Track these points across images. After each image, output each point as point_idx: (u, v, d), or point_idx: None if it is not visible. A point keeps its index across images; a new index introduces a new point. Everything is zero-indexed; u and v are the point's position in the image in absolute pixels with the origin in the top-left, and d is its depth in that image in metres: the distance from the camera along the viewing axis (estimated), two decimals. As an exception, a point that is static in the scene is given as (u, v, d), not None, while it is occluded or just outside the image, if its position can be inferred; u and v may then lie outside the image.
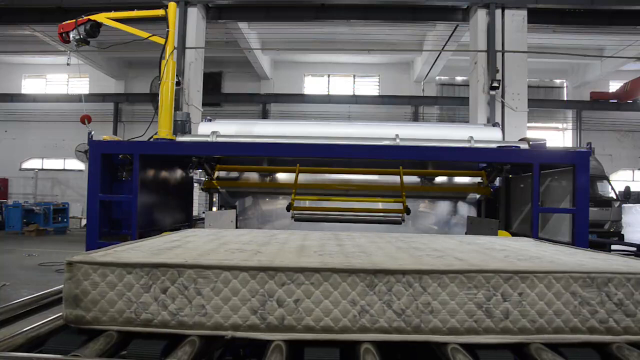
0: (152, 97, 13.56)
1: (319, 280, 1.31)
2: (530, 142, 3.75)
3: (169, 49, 4.34)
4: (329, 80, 20.11)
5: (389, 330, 1.30)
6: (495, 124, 4.62)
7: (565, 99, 19.44)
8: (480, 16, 10.72)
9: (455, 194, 4.13)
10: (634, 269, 1.37)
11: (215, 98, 18.27)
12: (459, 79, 19.10)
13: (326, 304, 1.30)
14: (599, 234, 11.80)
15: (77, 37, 4.54)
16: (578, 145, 16.15)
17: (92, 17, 4.50)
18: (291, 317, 1.29)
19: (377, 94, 19.58)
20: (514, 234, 3.24)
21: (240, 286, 1.30)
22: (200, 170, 4.49)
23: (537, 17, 11.16)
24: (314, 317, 1.29)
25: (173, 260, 1.33)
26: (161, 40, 4.38)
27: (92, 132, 3.37)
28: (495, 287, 1.33)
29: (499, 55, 10.50)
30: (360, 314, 1.30)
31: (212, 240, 1.93)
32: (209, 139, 3.79)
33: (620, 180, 17.64)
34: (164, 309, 1.29)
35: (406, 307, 1.31)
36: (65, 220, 17.27)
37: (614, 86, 18.62)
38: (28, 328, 1.33)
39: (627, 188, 14.36)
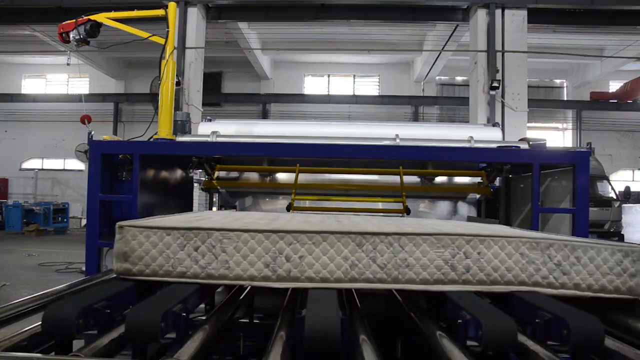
0: (152, 97, 13.58)
1: (318, 241, 1.60)
2: (530, 142, 3.75)
3: (169, 49, 4.34)
4: (329, 80, 20.11)
5: (373, 281, 1.58)
6: (495, 124, 4.62)
7: (565, 99, 19.44)
8: (480, 16, 10.72)
9: (455, 194, 4.13)
10: (570, 238, 1.73)
11: (215, 98, 18.27)
12: (459, 79, 19.11)
13: (324, 260, 1.60)
14: (599, 234, 11.78)
15: (77, 37, 4.53)
16: (578, 145, 16.16)
17: (92, 17, 4.49)
18: (296, 270, 1.58)
19: (377, 94, 19.58)
20: (514, 234, 3.24)
21: (256, 245, 1.59)
22: (200, 170, 4.49)
23: (537, 17, 11.16)
24: (314, 269, 1.59)
25: (203, 224, 1.63)
26: (161, 40, 4.37)
27: (92, 132, 3.36)
28: (459, 246, 1.61)
29: (499, 55, 10.50)
30: (351, 267, 1.59)
31: (228, 217, 2.14)
32: (209, 139, 3.79)
33: (620, 180, 17.64)
34: (195, 263, 1.58)
35: (387, 262, 1.60)
36: (65, 220, 17.28)
37: (614, 86, 18.63)
38: (28, 328, 1.33)
39: (627, 188, 14.36)
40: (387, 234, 1.61)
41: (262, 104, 19.09)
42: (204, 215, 2.31)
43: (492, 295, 1.64)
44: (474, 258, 1.61)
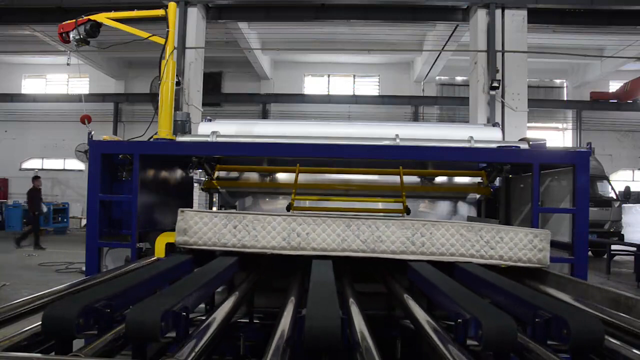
0: (152, 97, 13.53)
1: (319, 222, 2.27)
2: (530, 142, 3.75)
3: (169, 49, 4.33)
4: (329, 80, 20.10)
5: (357, 251, 2.25)
6: (495, 124, 4.62)
7: (565, 99, 19.42)
8: (480, 16, 10.71)
9: (455, 194, 4.13)
10: (497, 225, 2.37)
11: (215, 98, 18.25)
12: (459, 79, 19.09)
13: (323, 236, 2.26)
14: (599, 234, 11.78)
15: (77, 37, 4.52)
16: (578, 145, 16.14)
17: (92, 17, 4.48)
18: (304, 242, 2.25)
19: (377, 94, 19.56)
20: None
21: (277, 225, 2.28)
22: (200, 170, 4.47)
23: (537, 17, 11.14)
24: (317, 242, 2.25)
25: (240, 211, 2.44)
26: (161, 40, 4.36)
27: (92, 132, 3.36)
28: (417, 228, 2.26)
29: (499, 55, 10.49)
30: (342, 241, 2.24)
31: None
32: (209, 139, 3.79)
33: (620, 180, 17.63)
34: (234, 237, 2.27)
35: (367, 238, 2.24)
36: (65, 220, 17.28)
37: (614, 86, 18.61)
38: (28, 328, 1.33)
39: (627, 188, 14.37)
40: (367, 218, 2.31)
41: (262, 104, 19.07)
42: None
43: (441, 264, 2.18)
44: (427, 236, 2.25)
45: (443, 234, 2.24)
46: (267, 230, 2.25)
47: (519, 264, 2.21)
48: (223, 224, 2.27)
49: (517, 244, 2.24)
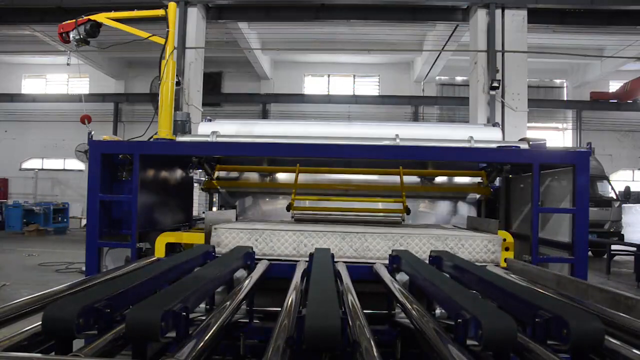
0: (152, 97, 13.55)
1: (321, 236, 2.90)
2: (530, 142, 3.75)
3: (169, 49, 4.33)
4: (329, 80, 20.09)
5: (351, 257, 2.85)
6: (495, 124, 4.62)
7: (565, 99, 19.42)
8: (480, 16, 10.71)
9: (455, 194, 4.13)
10: (459, 233, 2.98)
11: (215, 98, 18.25)
12: (459, 79, 19.09)
13: (324, 246, 2.84)
14: (599, 234, 11.78)
15: (77, 37, 4.52)
16: (578, 145, 16.14)
17: (92, 17, 4.48)
18: (310, 251, 2.77)
19: (377, 94, 19.56)
20: (514, 235, 3.26)
21: (288, 237, 2.89)
22: (200, 170, 4.48)
23: (537, 17, 11.15)
24: None
25: (260, 227, 2.95)
26: (161, 40, 4.37)
27: (92, 132, 3.36)
28: (396, 239, 2.86)
29: (499, 55, 10.49)
30: (339, 250, 2.87)
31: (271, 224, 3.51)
32: (209, 139, 3.79)
33: (620, 180, 17.63)
34: (256, 248, 2.83)
35: (358, 247, 2.86)
36: (65, 220, 17.26)
37: (614, 86, 18.61)
38: (28, 328, 1.33)
39: (627, 188, 14.36)
40: (357, 232, 2.91)
41: (262, 104, 19.07)
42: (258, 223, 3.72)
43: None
44: (405, 245, 2.82)
45: (417, 243, 2.83)
46: (282, 242, 2.86)
47: (477, 263, 2.69)
48: (247, 237, 2.87)
49: (475, 249, 2.84)
